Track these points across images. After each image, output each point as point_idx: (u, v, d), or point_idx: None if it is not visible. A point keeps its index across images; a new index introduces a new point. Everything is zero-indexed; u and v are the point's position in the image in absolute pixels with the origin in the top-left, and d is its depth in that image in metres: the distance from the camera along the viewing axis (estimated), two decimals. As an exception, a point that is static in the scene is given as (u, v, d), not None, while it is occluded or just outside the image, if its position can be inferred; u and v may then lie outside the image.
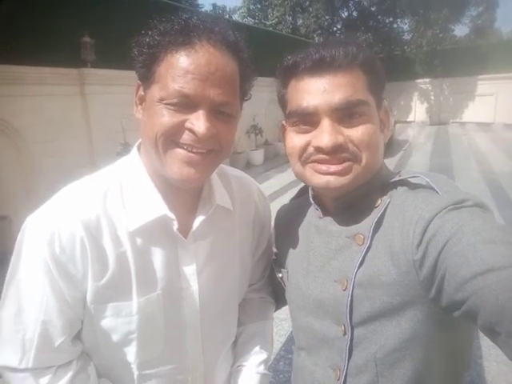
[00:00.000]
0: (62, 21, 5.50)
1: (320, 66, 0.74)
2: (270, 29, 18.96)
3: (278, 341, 2.87)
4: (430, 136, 15.12)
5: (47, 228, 0.74)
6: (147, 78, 0.76)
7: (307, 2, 20.87)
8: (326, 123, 0.74)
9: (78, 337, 0.82)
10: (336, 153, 0.74)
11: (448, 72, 18.65)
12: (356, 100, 0.73)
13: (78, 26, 5.72)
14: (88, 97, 6.18)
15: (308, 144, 0.77)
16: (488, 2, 20.87)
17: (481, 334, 3.06)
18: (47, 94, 5.57)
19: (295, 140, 0.79)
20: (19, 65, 5.03)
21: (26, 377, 0.77)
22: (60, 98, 5.78)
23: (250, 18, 23.05)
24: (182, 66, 0.71)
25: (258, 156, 10.42)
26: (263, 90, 10.35)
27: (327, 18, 21.14)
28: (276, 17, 21.48)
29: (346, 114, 0.74)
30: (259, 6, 22.76)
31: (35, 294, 0.75)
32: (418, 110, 20.31)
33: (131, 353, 0.83)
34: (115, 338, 0.81)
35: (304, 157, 0.78)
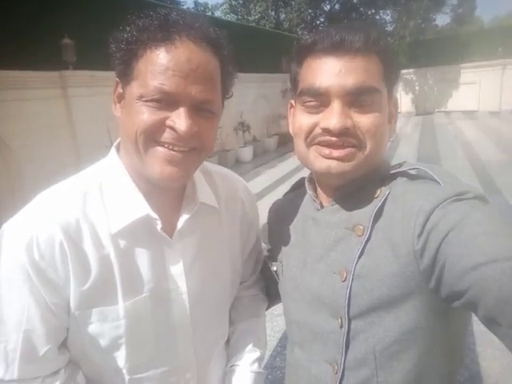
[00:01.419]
0: (41, 23, 5.43)
1: (339, 48, 0.73)
2: (253, 24, 18.92)
3: (274, 337, 2.87)
4: (416, 126, 15.25)
5: (25, 234, 0.71)
6: (126, 75, 0.74)
7: (289, -4, 20.83)
8: (336, 105, 0.73)
9: (64, 345, 0.80)
10: (342, 136, 0.73)
11: (431, 61, 18.83)
12: (369, 86, 0.73)
13: (57, 27, 5.63)
14: (71, 99, 6.09)
15: (316, 125, 0.76)
16: (468, -10, 21.05)
17: (474, 320, 3.08)
18: (29, 99, 5.47)
19: (303, 120, 0.78)
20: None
21: None
22: (42, 101, 5.69)
23: (232, 14, 22.91)
24: (162, 63, 0.69)
25: (247, 153, 10.40)
26: (250, 86, 10.35)
27: (310, 11, 21.12)
28: (259, 12, 21.38)
29: (357, 99, 0.73)
30: (241, 2, 22.61)
31: (15, 302, 0.73)
32: (404, 101, 20.43)
33: (121, 357, 0.81)
34: (103, 343, 0.79)
35: (310, 138, 0.77)
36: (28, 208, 0.76)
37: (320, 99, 0.75)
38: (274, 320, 3.02)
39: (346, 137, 0.74)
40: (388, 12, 21.97)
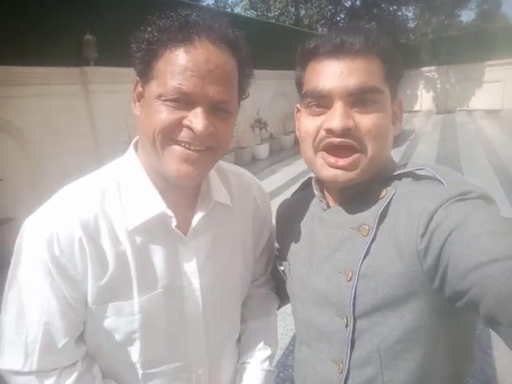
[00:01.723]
0: (63, 19, 5.51)
1: (339, 51, 0.75)
2: (273, 21, 18.81)
3: (287, 335, 2.88)
4: (436, 125, 14.96)
5: (45, 230, 0.74)
6: (146, 74, 0.75)
7: (309, -7, 20.65)
8: (338, 106, 0.75)
9: (81, 338, 0.83)
10: (344, 137, 0.74)
11: (454, 59, 18.43)
12: (371, 86, 0.74)
13: (79, 23, 5.72)
14: (91, 95, 6.19)
15: (320, 128, 0.77)
16: (494, -15, 20.45)
17: None
18: (50, 94, 5.59)
19: (309, 124, 0.80)
20: (21, 65, 5.05)
21: (31, 380, 0.77)
22: (63, 97, 5.80)
23: (252, 11, 22.87)
24: (181, 63, 0.71)
25: (263, 150, 10.39)
26: (267, 82, 10.31)
27: (330, 7, 20.90)
28: (278, 8, 21.29)
29: (359, 99, 0.75)
30: (261, -2, 22.57)
31: (36, 296, 0.75)
32: (424, 99, 20.09)
33: (135, 352, 0.83)
34: (118, 338, 0.81)
35: (316, 142, 0.79)
36: (48, 205, 0.79)
37: (323, 101, 0.77)
38: (287, 319, 3.02)
39: (348, 138, 0.75)
40: (410, 8, 21.57)
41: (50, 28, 5.33)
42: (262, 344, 1.02)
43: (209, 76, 0.71)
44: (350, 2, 21.62)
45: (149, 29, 0.75)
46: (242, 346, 1.04)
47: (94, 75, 6.14)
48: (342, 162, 0.76)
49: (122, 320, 0.79)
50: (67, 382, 0.79)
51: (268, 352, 1.01)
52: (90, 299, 0.77)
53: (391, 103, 0.79)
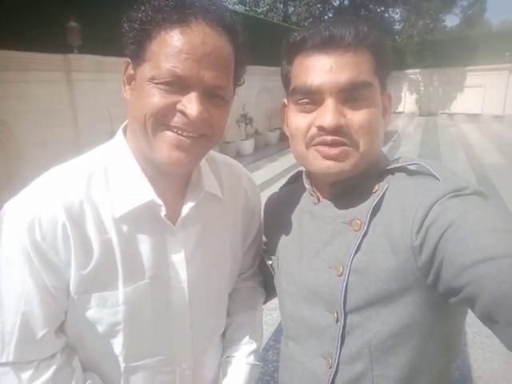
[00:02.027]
0: (47, 4, 5.35)
1: (329, 44, 0.72)
2: (261, 16, 18.74)
3: (267, 330, 2.88)
4: (419, 127, 15.20)
5: (27, 214, 0.70)
6: (138, 55, 0.72)
7: (298, -10, 20.65)
8: (330, 102, 0.73)
9: (61, 329, 0.79)
10: (336, 134, 0.73)
11: (438, 62, 18.73)
12: (362, 81, 0.72)
13: (63, 9, 5.56)
14: (74, 83, 6.04)
15: (311, 125, 0.76)
16: (479, -8, 20.85)
17: (465, 322, 3.12)
18: (32, 81, 5.43)
19: (299, 120, 0.78)
20: (1, 49, 4.88)
21: (7, 371, 0.73)
22: (45, 84, 5.64)
23: (240, 6, 22.73)
24: (176, 45, 0.68)
25: (248, 146, 10.35)
26: (254, 78, 10.28)
27: (319, 6, 20.95)
28: (267, 4, 21.21)
29: (350, 95, 0.73)
30: (250, -7, 22.45)
31: (15, 283, 0.72)
32: (408, 101, 20.37)
33: (118, 344, 0.80)
34: (101, 329, 0.78)
35: (308, 138, 0.77)
36: (31, 188, 0.75)
37: (313, 97, 0.75)
38: (268, 314, 3.03)
39: (340, 135, 0.73)
40: (397, 10, 21.83)
41: (32, 12, 5.17)
42: (247, 338, 1.00)
43: (205, 59, 0.69)
44: (338, 2, 21.75)
45: (142, 8, 0.71)
46: (227, 340, 1.02)
47: (78, 63, 5.99)
48: (333, 150, 0.74)
49: (105, 311, 0.77)
50: (45, 375, 0.75)
51: (253, 346, 1.00)
52: (72, 288, 0.74)
53: (381, 96, 0.78)
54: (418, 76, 20.02)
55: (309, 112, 0.76)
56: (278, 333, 2.86)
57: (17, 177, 5.05)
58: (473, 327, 2.80)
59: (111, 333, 0.79)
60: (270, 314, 3.04)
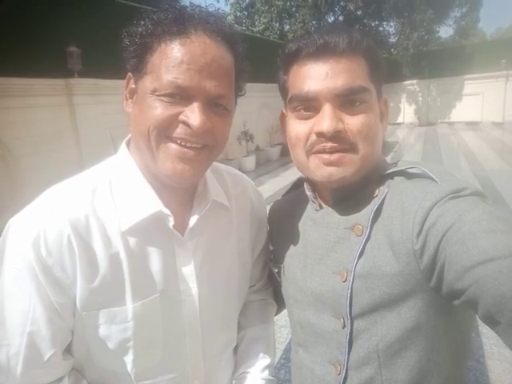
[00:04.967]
0: (48, 30, 5.47)
1: (323, 52, 0.74)
2: (258, 35, 19.06)
3: (278, 348, 2.82)
4: (419, 137, 15.25)
5: (32, 229, 0.68)
6: (139, 69, 0.72)
7: (293, 8, 21.04)
8: (327, 108, 0.73)
9: (68, 350, 0.77)
10: (335, 139, 0.73)
11: (435, 73, 18.96)
12: (358, 86, 0.73)
13: (63, 35, 5.68)
14: (76, 107, 6.13)
15: (310, 132, 0.76)
16: (471, 2, 21.19)
17: (483, 333, 3.10)
18: (34, 106, 5.52)
19: (298, 128, 0.78)
20: (3, 76, 4.96)
21: None
22: (47, 109, 5.73)
23: (237, 26, 23.15)
24: (177, 56, 0.68)
25: (250, 162, 10.40)
26: (254, 95, 10.39)
27: (314, 23, 21.31)
28: (263, 23, 21.60)
29: (347, 100, 0.74)
30: (246, 13, 22.90)
31: (20, 301, 0.69)
32: (407, 112, 20.51)
33: (128, 362, 0.77)
34: (110, 347, 0.75)
35: (308, 146, 0.77)
36: (35, 203, 0.74)
37: (310, 104, 0.76)
38: (278, 331, 2.97)
39: (338, 141, 0.74)
40: (392, 24, 22.17)
41: (33, 39, 5.28)
42: (260, 353, 0.98)
43: (205, 69, 0.69)
44: (332, 18, 22.11)
45: (142, 22, 0.72)
46: (241, 355, 1.00)
47: (79, 87, 6.09)
48: (335, 156, 0.75)
49: (114, 327, 0.74)
50: None
51: (267, 361, 0.98)
52: (79, 305, 0.72)
53: (378, 102, 0.79)
54: (416, 87, 20.20)
55: (307, 119, 0.77)
56: (289, 351, 2.78)
57: (20, 199, 5.05)
58: (490, 338, 2.75)
59: (121, 350, 0.76)
60: (280, 331, 2.98)
